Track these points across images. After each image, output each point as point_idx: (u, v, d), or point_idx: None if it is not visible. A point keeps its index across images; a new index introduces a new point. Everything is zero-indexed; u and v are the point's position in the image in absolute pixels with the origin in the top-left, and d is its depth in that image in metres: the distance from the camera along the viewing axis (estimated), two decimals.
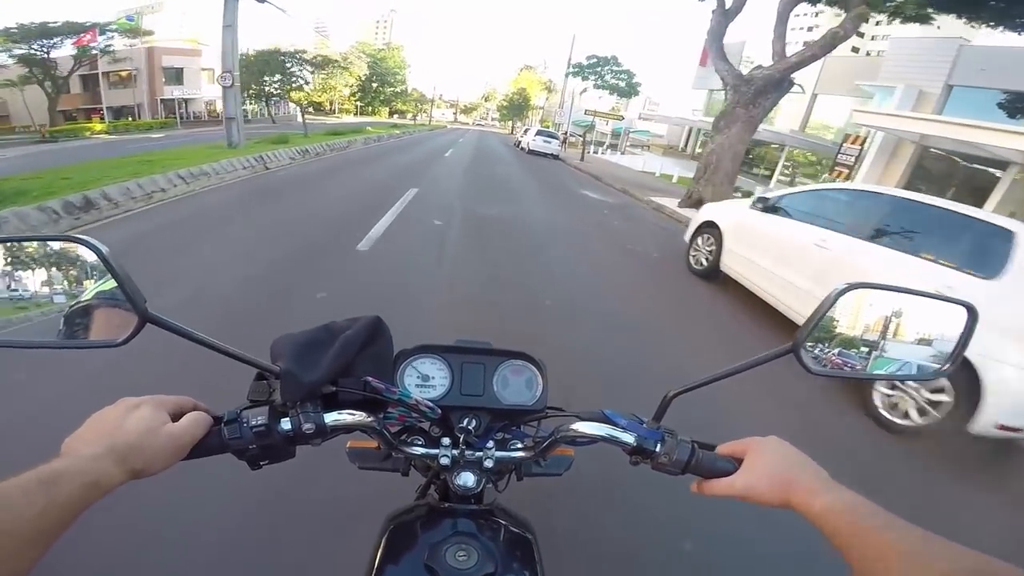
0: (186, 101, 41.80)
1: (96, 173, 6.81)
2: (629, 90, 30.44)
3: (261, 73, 39.56)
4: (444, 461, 0.68)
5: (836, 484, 0.52)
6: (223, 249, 4.52)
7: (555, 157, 22.33)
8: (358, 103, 66.31)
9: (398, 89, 71.17)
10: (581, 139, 25.15)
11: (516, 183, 12.44)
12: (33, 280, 0.52)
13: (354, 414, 0.62)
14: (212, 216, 5.83)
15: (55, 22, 31.25)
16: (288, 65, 40.44)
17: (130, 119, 38.03)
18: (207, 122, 37.36)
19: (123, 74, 38.47)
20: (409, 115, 76.60)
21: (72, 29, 32.17)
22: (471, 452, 0.69)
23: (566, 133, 31.28)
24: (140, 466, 0.46)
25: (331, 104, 64.10)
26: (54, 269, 0.53)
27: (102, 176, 6.45)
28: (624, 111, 36.43)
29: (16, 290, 0.52)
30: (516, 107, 66.03)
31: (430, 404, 0.68)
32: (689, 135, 36.68)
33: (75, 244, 0.50)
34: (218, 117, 45.94)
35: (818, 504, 0.49)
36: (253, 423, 0.56)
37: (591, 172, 17.45)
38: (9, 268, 0.52)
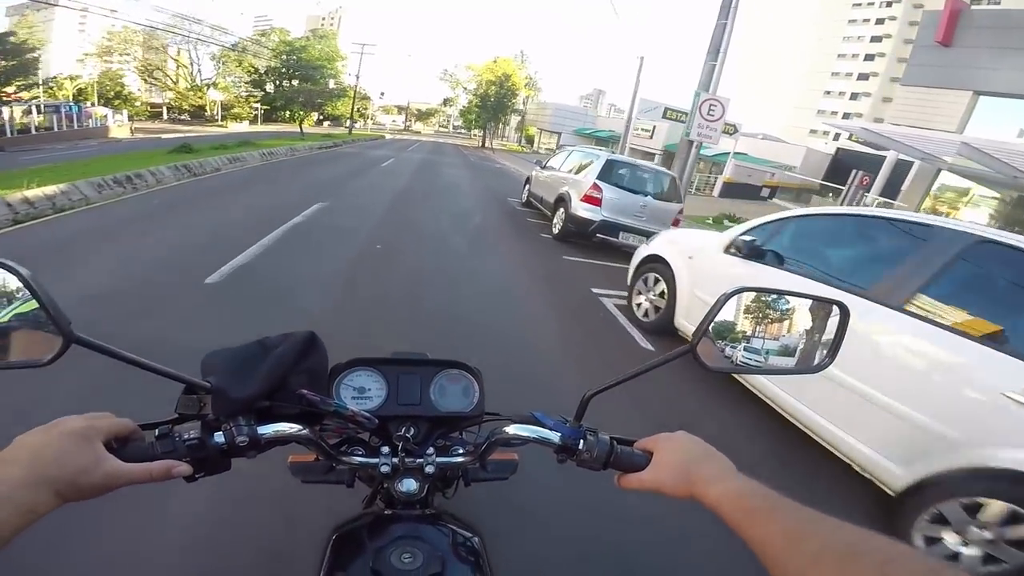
0: None
1: None
2: None
3: None
4: (384, 469, 0.68)
5: (734, 473, 0.55)
6: None
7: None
8: (258, 106, 46.30)
9: (324, 87, 51.72)
10: None
11: None
12: None
13: (290, 427, 0.62)
14: None
15: None
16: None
17: None
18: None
19: None
20: (347, 121, 57.31)
21: None
22: (411, 459, 0.70)
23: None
24: (74, 495, 0.45)
25: (211, 109, 43.95)
26: None
27: None
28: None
29: None
30: (494, 105, 43.32)
31: (367, 415, 0.68)
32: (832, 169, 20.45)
33: None
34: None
35: (714, 493, 0.52)
36: (186, 436, 0.55)
37: None
38: None
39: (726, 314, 0.65)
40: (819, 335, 0.70)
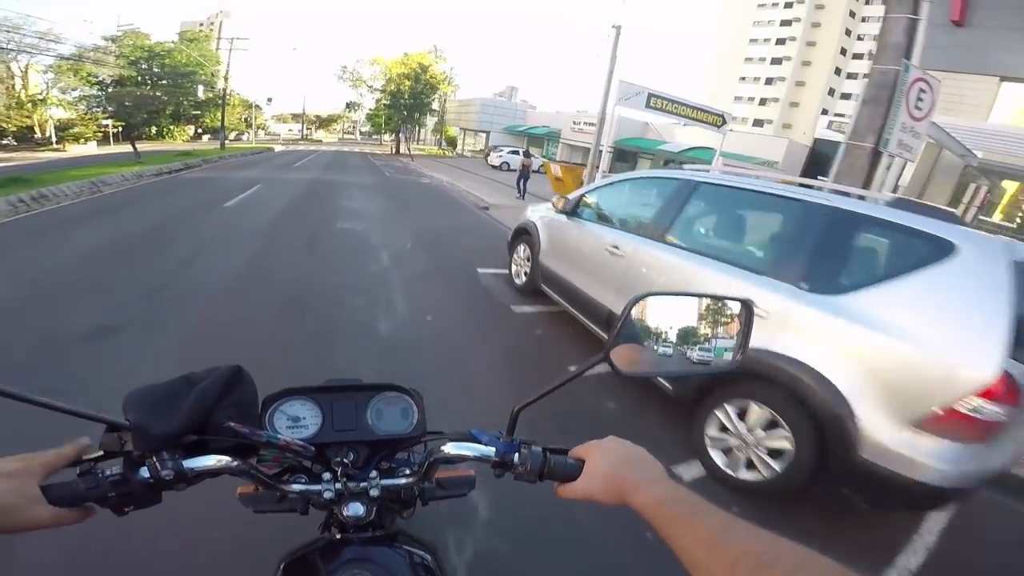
0: None
1: None
2: None
3: None
4: (328, 495, 0.69)
5: (662, 478, 0.56)
6: None
7: None
8: (108, 123, 37.40)
9: (190, 95, 43.24)
10: None
11: None
12: None
13: (219, 459, 0.62)
14: None
15: None
16: None
17: None
18: None
19: None
20: (234, 133, 48.67)
21: None
22: (355, 484, 0.70)
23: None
24: (7, 529, 0.47)
25: (42, 130, 34.64)
26: None
27: None
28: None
29: None
30: (408, 104, 36.88)
31: (301, 443, 0.67)
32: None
33: None
34: None
35: (641, 499, 0.53)
36: (108, 473, 0.56)
37: None
38: None
39: (637, 320, 0.67)
40: (727, 334, 0.73)
